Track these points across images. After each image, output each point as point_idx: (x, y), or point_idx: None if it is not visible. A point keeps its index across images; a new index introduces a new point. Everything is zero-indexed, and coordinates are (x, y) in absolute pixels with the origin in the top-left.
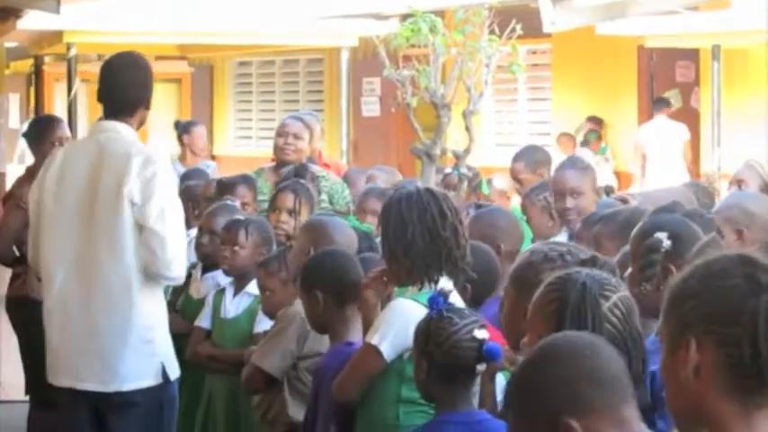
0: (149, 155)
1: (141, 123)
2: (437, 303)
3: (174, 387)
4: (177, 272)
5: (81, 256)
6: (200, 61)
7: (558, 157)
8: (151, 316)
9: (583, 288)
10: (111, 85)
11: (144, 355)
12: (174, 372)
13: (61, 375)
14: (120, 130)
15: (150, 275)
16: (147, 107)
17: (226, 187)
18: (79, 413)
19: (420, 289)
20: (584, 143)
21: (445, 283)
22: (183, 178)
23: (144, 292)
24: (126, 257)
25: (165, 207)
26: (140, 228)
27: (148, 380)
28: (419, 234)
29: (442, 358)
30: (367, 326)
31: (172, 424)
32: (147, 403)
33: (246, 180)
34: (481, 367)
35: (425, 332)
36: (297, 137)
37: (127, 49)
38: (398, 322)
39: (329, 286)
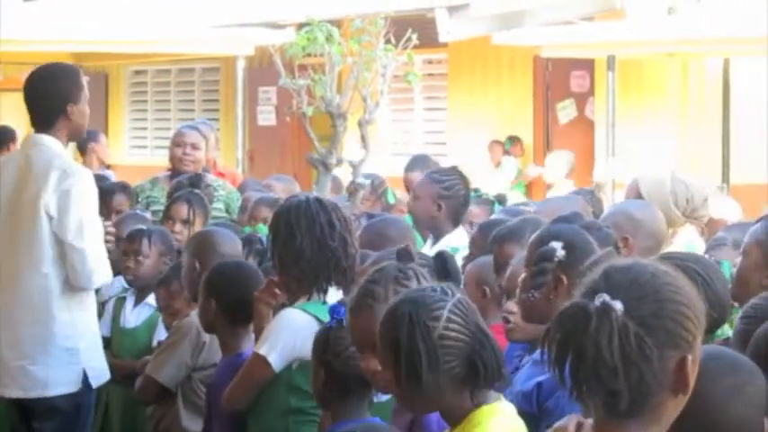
0: (68, 168)
1: (73, 134)
2: (338, 313)
3: (93, 394)
4: (99, 282)
5: (3, 268)
6: (95, 69)
7: (488, 163)
8: (73, 325)
9: (410, 320)
10: (27, 99)
11: (64, 363)
12: (98, 378)
13: None
14: (46, 143)
15: (74, 287)
16: (70, 118)
17: (103, 195)
18: (11, 418)
19: (309, 298)
20: (506, 152)
21: (334, 292)
22: None
23: (65, 302)
24: (44, 269)
25: (82, 220)
26: (59, 241)
27: (69, 386)
28: (307, 244)
29: (339, 368)
30: (258, 335)
31: (86, 429)
32: (67, 408)
33: (124, 189)
34: None
35: (324, 341)
36: (194, 147)
37: (19, 57)
38: (286, 332)
39: (225, 299)
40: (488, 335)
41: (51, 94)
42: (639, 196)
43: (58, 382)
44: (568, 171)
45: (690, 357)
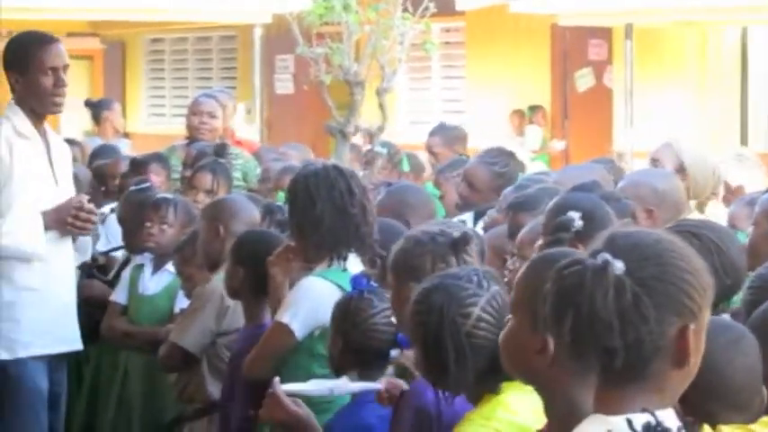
0: None
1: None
2: (360, 284)
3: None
4: None
5: None
6: (112, 38)
7: (510, 133)
8: None
9: (440, 314)
10: None
11: None
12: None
13: None
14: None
15: None
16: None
17: (139, 165)
18: None
19: (329, 265)
20: (529, 121)
21: (353, 259)
22: (93, 156)
23: None
24: None
25: None
26: None
27: None
28: (327, 211)
29: (357, 338)
30: (274, 303)
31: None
32: None
33: (160, 158)
34: (395, 353)
35: (344, 311)
36: (211, 115)
37: (34, 25)
38: (308, 300)
39: (253, 267)
40: None
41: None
42: (679, 164)
43: None
44: None
45: (692, 327)
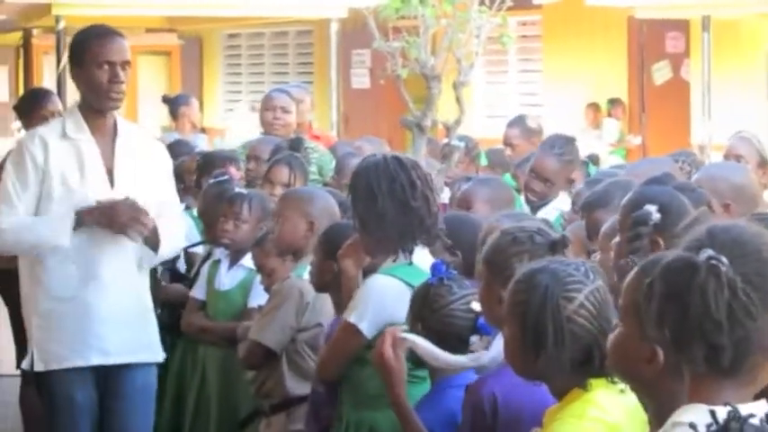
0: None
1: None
2: (439, 270)
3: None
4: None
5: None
6: (189, 34)
7: (584, 127)
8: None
9: (544, 293)
10: None
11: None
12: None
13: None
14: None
15: None
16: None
17: (213, 161)
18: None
19: (395, 260)
20: (608, 114)
21: (420, 251)
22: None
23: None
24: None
25: None
26: None
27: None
28: (389, 205)
29: (435, 325)
30: (347, 296)
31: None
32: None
33: (233, 154)
34: (475, 339)
35: (423, 297)
36: (284, 110)
37: (113, 21)
38: (375, 299)
39: None
40: None
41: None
42: (761, 159)
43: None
44: None
45: None
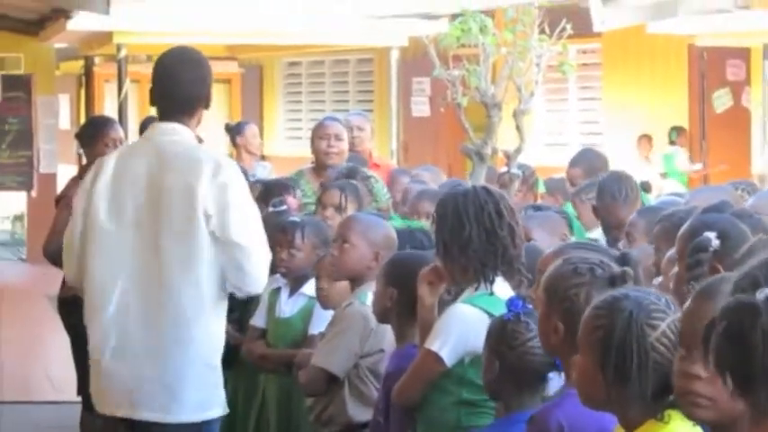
0: (219, 159)
1: (198, 124)
2: (515, 306)
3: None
4: (262, 286)
5: (144, 271)
6: (250, 62)
7: (637, 158)
8: (219, 339)
9: (629, 318)
10: (167, 84)
11: (209, 384)
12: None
13: (114, 404)
14: (180, 131)
15: (230, 291)
16: (207, 106)
17: (271, 189)
18: None
19: (476, 289)
20: (672, 142)
21: (501, 283)
22: None
23: (215, 311)
24: (201, 272)
25: (245, 216)
26: (216, 240)
27: (214, 410)
28: (476, 233)
29: (514, 361)
30: (423, 325)
31: None
32: None
33: (287, 183)
34: (553, 375)
35: (500, 333)
36: (338, 138)
37: None
38: (457, 327)
39: (406, 289)
40: None
41: (196, 78)
42: None
43: (202, 405)
44: None
45: None
